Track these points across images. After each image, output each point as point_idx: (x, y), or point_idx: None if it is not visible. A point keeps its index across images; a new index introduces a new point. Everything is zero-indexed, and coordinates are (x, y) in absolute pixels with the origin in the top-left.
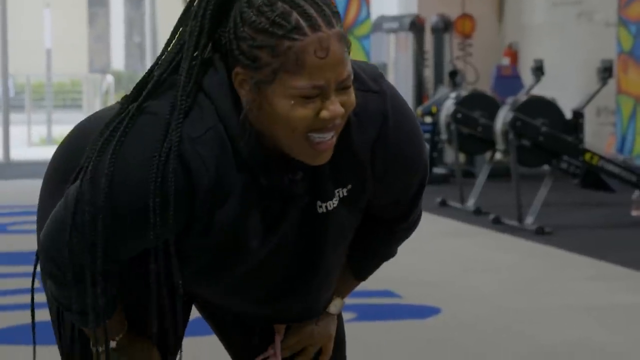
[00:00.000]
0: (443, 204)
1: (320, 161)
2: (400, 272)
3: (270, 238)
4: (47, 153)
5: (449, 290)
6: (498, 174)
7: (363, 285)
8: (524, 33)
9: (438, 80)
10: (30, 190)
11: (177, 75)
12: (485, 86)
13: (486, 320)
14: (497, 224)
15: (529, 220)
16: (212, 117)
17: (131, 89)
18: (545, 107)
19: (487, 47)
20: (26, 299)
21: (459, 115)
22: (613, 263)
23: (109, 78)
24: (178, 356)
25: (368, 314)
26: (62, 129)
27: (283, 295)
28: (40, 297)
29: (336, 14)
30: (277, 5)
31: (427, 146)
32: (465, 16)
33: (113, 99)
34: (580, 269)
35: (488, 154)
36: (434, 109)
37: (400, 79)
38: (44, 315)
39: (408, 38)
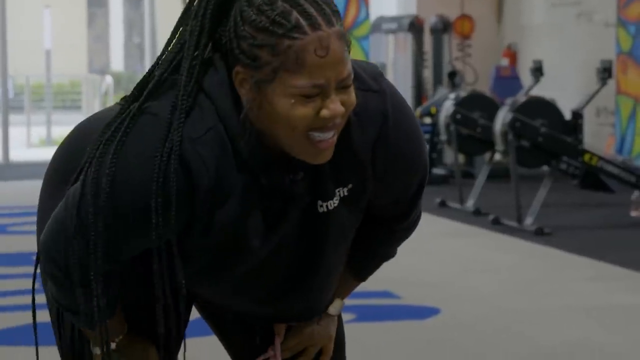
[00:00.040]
0: (442, 204)
1: (321, 160)
2: (399, 273)
3: (271, 238)
4: (46, 154)
5: (448, 291)
6: (497, 174)
7: (362, 286)
8: (523, 34)
9: (437, 81)
10: (29, 191)
11: (178, 75)
12: (485, 87)
13: (486, 320)
14: (497, 224)
15: (529, 220)
16: (213, 118)
17: (131, 90)
18: (545, 108)
19: (486, 48)
20: (26, 300)
21: (458, 116)
22: (612, 264)
23: (108, 79)
24: (182, 356)
25: (367, 314)
26: (62, 130)
27: (284, 294)
28: (40, 298)
29: (336, 12)
30: (277, 4)
31: (427, 146)
32: (464, 17)
33: (112, 100)
34: (580, 270)
35: (487, 155)
36: (433, 110)
37: (399, 80)
38: (43, 316)
39: (407, 39)
